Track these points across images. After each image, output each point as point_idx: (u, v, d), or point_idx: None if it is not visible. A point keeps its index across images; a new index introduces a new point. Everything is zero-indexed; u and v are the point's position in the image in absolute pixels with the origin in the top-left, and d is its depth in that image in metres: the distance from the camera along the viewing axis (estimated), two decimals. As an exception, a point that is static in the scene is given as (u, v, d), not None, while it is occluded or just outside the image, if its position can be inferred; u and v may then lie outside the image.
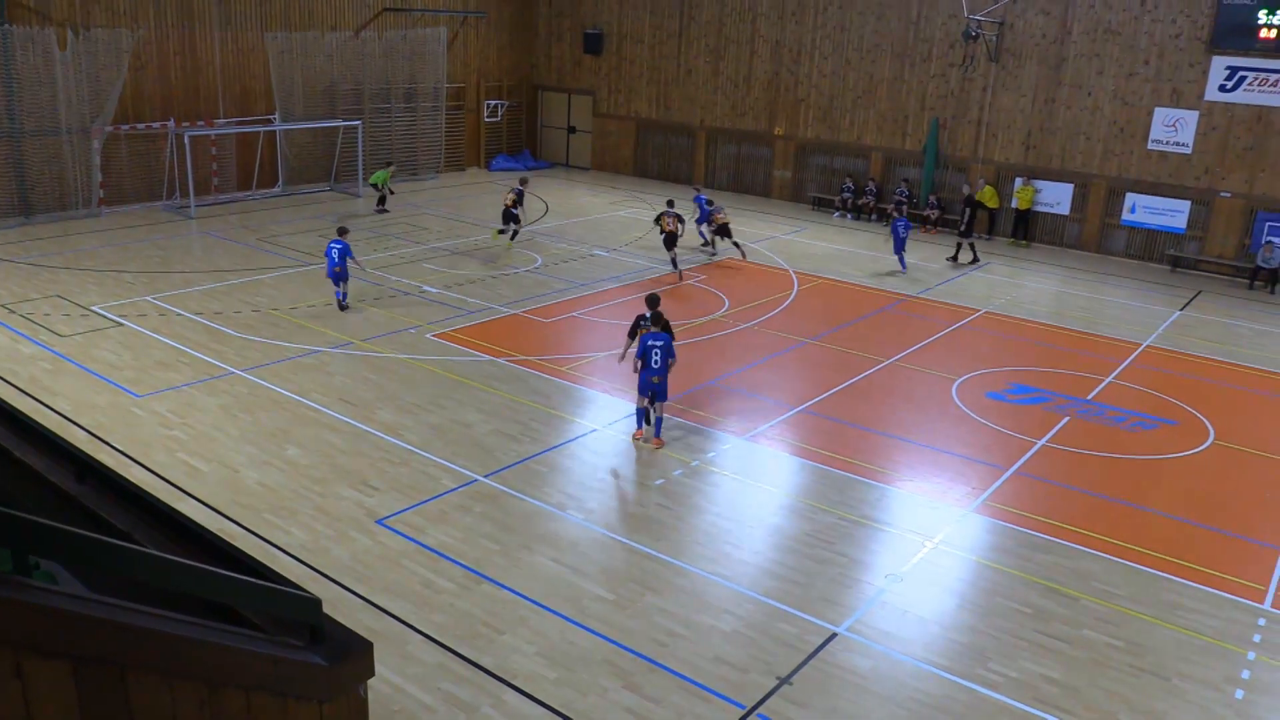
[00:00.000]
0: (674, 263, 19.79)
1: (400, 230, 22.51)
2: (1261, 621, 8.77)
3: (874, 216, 26.39)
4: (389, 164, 25.34)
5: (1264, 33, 20.84)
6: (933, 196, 25.52)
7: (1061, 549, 9.80)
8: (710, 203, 21.71)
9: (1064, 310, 18.96)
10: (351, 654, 3.77)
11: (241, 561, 3.92)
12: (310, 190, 26.63)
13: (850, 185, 26.86)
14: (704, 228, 21.38)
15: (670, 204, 20.70)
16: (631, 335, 12.12)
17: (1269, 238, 21.55)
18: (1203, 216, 22.49)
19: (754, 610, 8.51)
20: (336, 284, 16.15)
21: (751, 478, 11.12)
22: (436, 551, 9.14)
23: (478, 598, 8.46)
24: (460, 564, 8.95)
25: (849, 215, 26.80)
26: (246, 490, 10.16)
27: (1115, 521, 10.47)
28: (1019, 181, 24.50)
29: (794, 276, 20.10)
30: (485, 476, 10.70)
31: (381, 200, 24.23)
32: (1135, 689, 7.74)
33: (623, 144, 31.80)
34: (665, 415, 12.17)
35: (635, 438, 11.95)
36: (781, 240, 23.52)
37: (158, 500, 4.35)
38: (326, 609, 3.81)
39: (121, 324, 15.05)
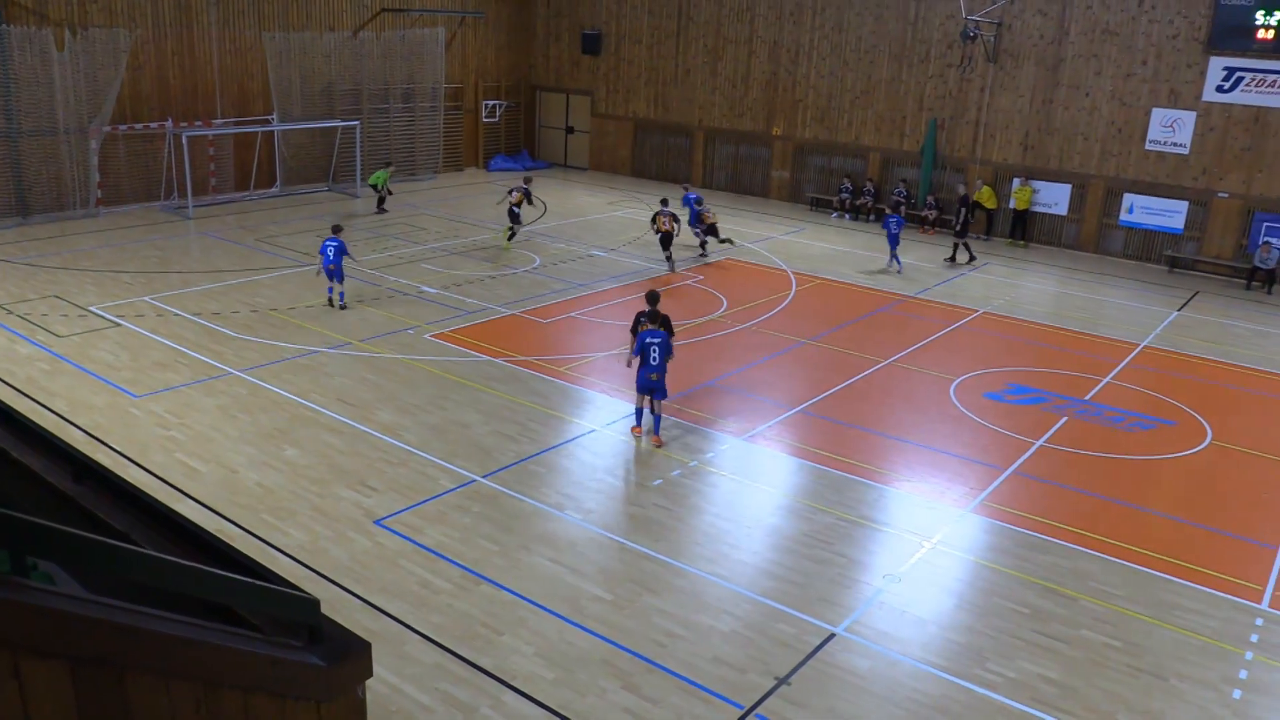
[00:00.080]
0: (670, 261, 19.87)
1: (398, 230, 22.50)
2: (1259, 621, 8.79)
3: (872, 217, 26.40)
4: (388, 164, 25.33)
5: (1261, 33, 20.88)
6: (931, 197, 25.54)
7: (1059, 549, 9.81)
8: (700, 201, 21.73)
9: (1062, 310, 18.98)
10: (350, 654, 3.77)
11: (239, 562, 3.91)
12: (308, 190, 26.62)
13: (848, 186, 26.87)
14: (697, 229, 21.37)
15: (664, 203, 20.72)
16: (634, 332, 12.13)
17: (1266, 238, 21.57)
18: (1200, 217, 22.51)
19: (752, 610, 8.52)
20: (330, 279, 16.19)
21: (750, 478, 11.12)
22: (435, 552, 9.14)
23: (476, 598, 8.46)
24: (458, 564, 8.95)
25: (847, 215, 26.81)
26: (245, 491, 10.15)
27: (1113, 521, 10.48)
28: (1017, 182, 24.53)
29: (792, 277, 20.11)
30: (483, 477, 10.70)
31: (381, 201, 24.22)
32: (1133, 689, 7.74)
33: (621, 144, 31.80)
34: (664, 415, 12.19)
35: (634, 432, 11.98)
36: (779, 240, 23.53)
37: (155, 501, 4.34)
38: (325, 609, 3.81)
39: (119, 324, 15.04)
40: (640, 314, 12.20)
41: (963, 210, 22.25)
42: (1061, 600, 8.90)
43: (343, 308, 16.30)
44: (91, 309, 15.69)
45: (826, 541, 9.74)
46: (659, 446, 11.75)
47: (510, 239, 21.11)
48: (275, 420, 11.88)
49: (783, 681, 7.58)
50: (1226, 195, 22.07)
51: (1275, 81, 21.02)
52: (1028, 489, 11.17)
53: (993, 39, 24.07)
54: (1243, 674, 8.03)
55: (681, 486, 10.78)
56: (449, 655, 7.67)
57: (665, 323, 12.30)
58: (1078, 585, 9.16)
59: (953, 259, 22.25)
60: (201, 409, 12.10)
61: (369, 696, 4.46)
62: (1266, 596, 9.19)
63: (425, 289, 17.80)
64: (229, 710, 3.37)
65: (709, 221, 20.87)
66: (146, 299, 16.40)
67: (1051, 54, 23.60)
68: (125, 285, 17.17)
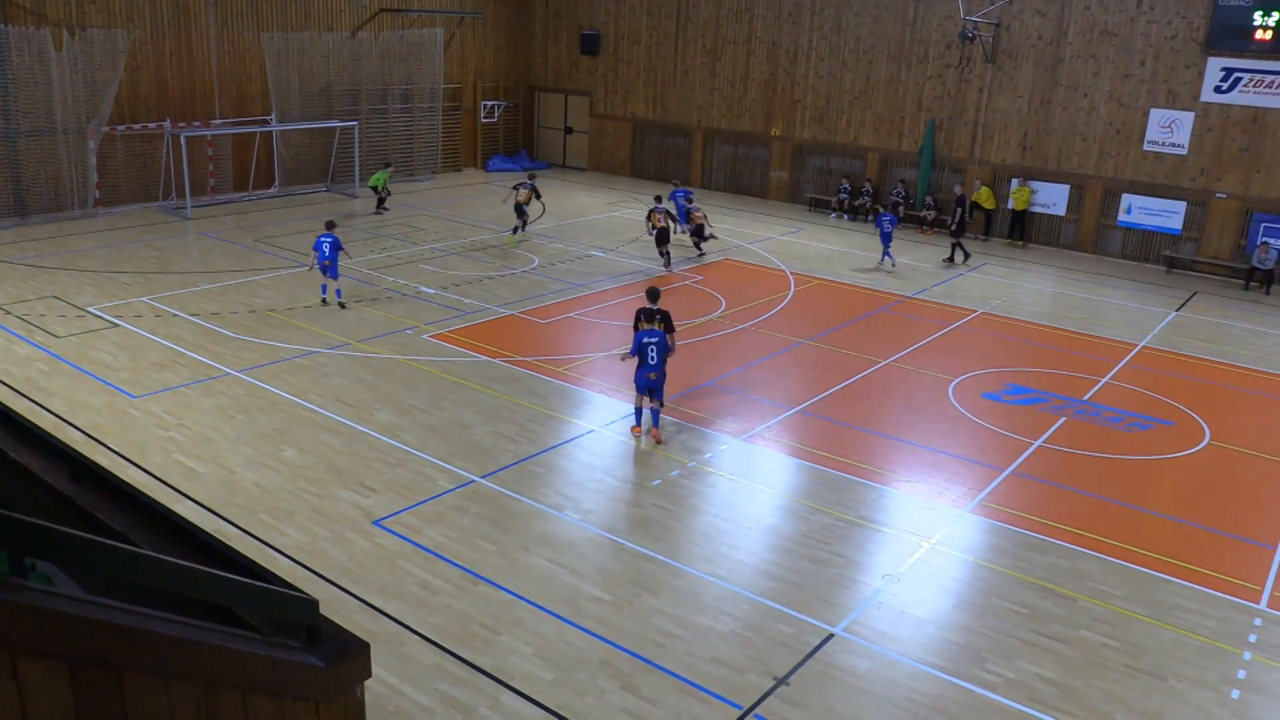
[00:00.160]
0: (666, 258, 19.93)
1: (397, 231, 22.50)
2: (1257, 621, 8.79)
3: (870, 218, 26.40)
4: (387, 164, 25.32)
5: (1259, 34, 20.89)
6: (929, 197, 25.55)
7: (1058, 549, 9.81)
8: (690, 198, 21.74)
9: (1060, 311, 18.99)
10: (348, 655, 3.77)
11: (238, 562, 3.91)
12: (307, 191, 26.61)
13: (847, 186, 26.88)
14: (685, 227, 21.37)
15: (659, 200, 20.75)
16: (635, 329, 12.13)
17: (1264, 238, 21.59)
18: (1198, 217, 22.53)
19: (751, 611, 8.52)
20: (324, 276, 16.21)
21: (748, 478, 11.12)
22: (433, 552, 9.13)
23: (475, 598, 8.45)
24: (457, 565, 8.95)
25: (845, 216, 26.81)
26: (243, 491, 10.15)
27: (1111, 522, 10.49)
28: (1015, 182, 24.54)
29: (791, 277, 20.11)
30: (482, 477, 10.70)
31: (380, 201, 24.21)
32: (1131, 689, 7.75)
33: (619, 145, 31.80)
34: (664, 415, 12.19)
35: (633, 432, 11.98)
36: (778, 241, 23.54)
37: (154, 501, 4.34)
38: (323, 610, 3.81)
39: (118, 325, 15.02)
40: (640, 311, 12.20)
41: (959, 210, 22.28)
42: (1060, 600, 8.91)
43: (340, 305, 16.30)
44: (90, 309, 15.68)
45: (825, 542, 9.74)
46: (659, 442, 11.77)
47: (515, 233, 21.38)
48: (273, 421, 11.87)
49: (781, 682, 7.58)
50: (1224, 196, 22.09)
51: (1273, 82, 21.04)
52: (1026, 489, 11.18)
53: (991, 40, 24.09)
54: (1241, 674, 8.04)
55: (680, 487, 10.78)
56: (447, 655, 7.67)
57: (666, 319, 12.30)
58: (1076, 585, 9.17)
59: (951, 259, 22.26)
60: (200, 409, 12.09)
61: (367, 697, 4.46)
62: (1265, 597, 9.19)
63: (424, 289, 17.79)
64: (228, 711, 3.37)
65: (696, 221, 20.91)
66: (145, 299, 16.39)
67: (1050, 55, 23.62)
68: (124, 286, 17.16)
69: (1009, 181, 24.74)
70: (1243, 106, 21.48)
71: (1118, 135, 23.07)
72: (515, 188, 21.93)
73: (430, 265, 19.54)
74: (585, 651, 7.82)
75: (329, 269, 16.09)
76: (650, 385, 11.69)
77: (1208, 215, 22.37)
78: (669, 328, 12.41)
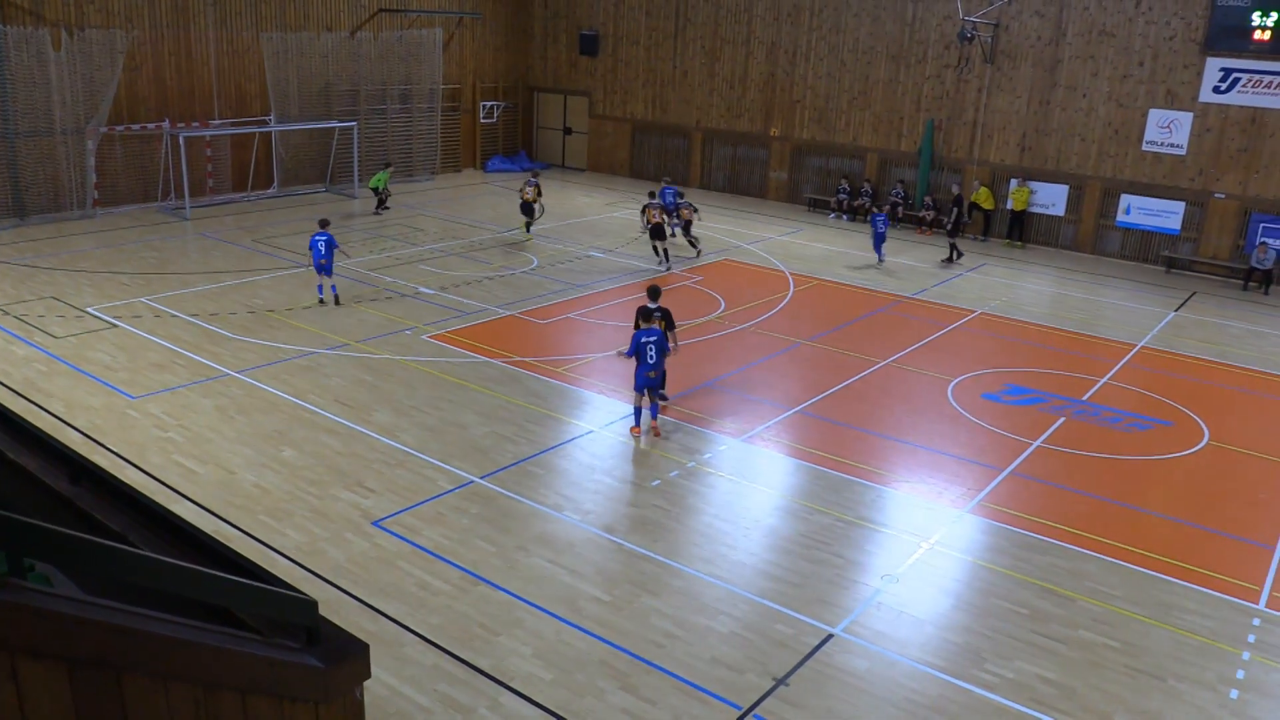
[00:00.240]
0: (664, 254, 19.95)
1: (396, 231, 22.49)
2: (1256, 622, 8.80)
3: (869, 218, 26.39)
4: (387, 165, 25.31)
5: (1258, 34, 20.91)
6: (928, 198, 25.55)
7: (1057, 550, 9.82)
8: (681, 195, 21.74)
9: (1059, 311, 18.99)
10: (348, 656, 3.77)
11: (237, 563, 3.91)
12: (306, 191, 26.60)
13: (846, 187, 26.88)
14: (676, 223, 21.34)
15: (653, 195, 20.76)
16: (636, 328, 12.14)
17: (1263, 238, 21.61)
18: (1197, 218, 22.54)
19: (750, 611, 8.52)
20: (319, 275, 16.22)
21: (748, 479, 11.12)
22: (432, 553, 9.13)
23: (474, 599, 8.45)
24: (456, 565, 8.95)
25: (844, 216, 26.82)
26: (242, 492, 10.14)
27: (1111, 522, 10.49)
28: (1014, 183, 24.56)
29: (790, 278, 20.12)
30: (481, 478, 10.70)
31: (381, 202, 24.21)
32: (1131, 689, 7.75)
33: (619, 145, 31.80)
34: (663, 416, 12.20)
35: (632, 432, 11.99)
36: (777, 241, 23.54)
37: (153, 502, 4.34)
38: (322, 611, 3.81)
39: (116, 325, 15.02)
40: (640, 309, 12.20)
41: (955, 210, 22.31)
42: (1059, 600, 8.91)
43: (337, 303, 16.32)
44: (89, 310, 15.67)
45: (824, 542, 9.74)
46: (657, 435, 11.79)
47: (527, 230, 22.17)
48: (273, 421, 11.87)
49: (781, 682, 7.58)
50: (1223, 196, 22.10)
51: (1272, 82, 21.06)
52: (1025, 489, 11.18)
53: (990, 40, 24.10)
54: (1240, 674, 8.04)
55: (679, 487, 10.78)
56: (447, 656, 7.67)
57: (667, 317, 12.30)
58: (1075, 586, 9.17)
59: (950, 259, 22.27)
60: (199, 410, 12.08)
61: (367, 698, 4.46)
62: (1264, 597, 9.20)
63: (423, 290, 17.78)
64: (227, 712, 3.37)
65: (685, 217, 20.93)
66: (144, 300, 16.38)
67: (1048, 55, 23.63)
68: (122, 286, 17.15)
69: (1008, 182, 24.76)
70: (1241, 107, 21.49)
71: (1116, 135, 23.08)
72: (522, 187, 22.24)
73: (429, 266, 19.54)
74: (585, 652, 7.82)
75: (324, 267, 16.11)
76: (650, 383, 11.72)
77: (1206, 215, 22.38)
78: (670, 326, 12.42)
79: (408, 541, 9.31)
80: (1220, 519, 10.75)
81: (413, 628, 8.00)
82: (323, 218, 17.09)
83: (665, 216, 20.19)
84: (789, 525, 10.09)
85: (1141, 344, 17.00)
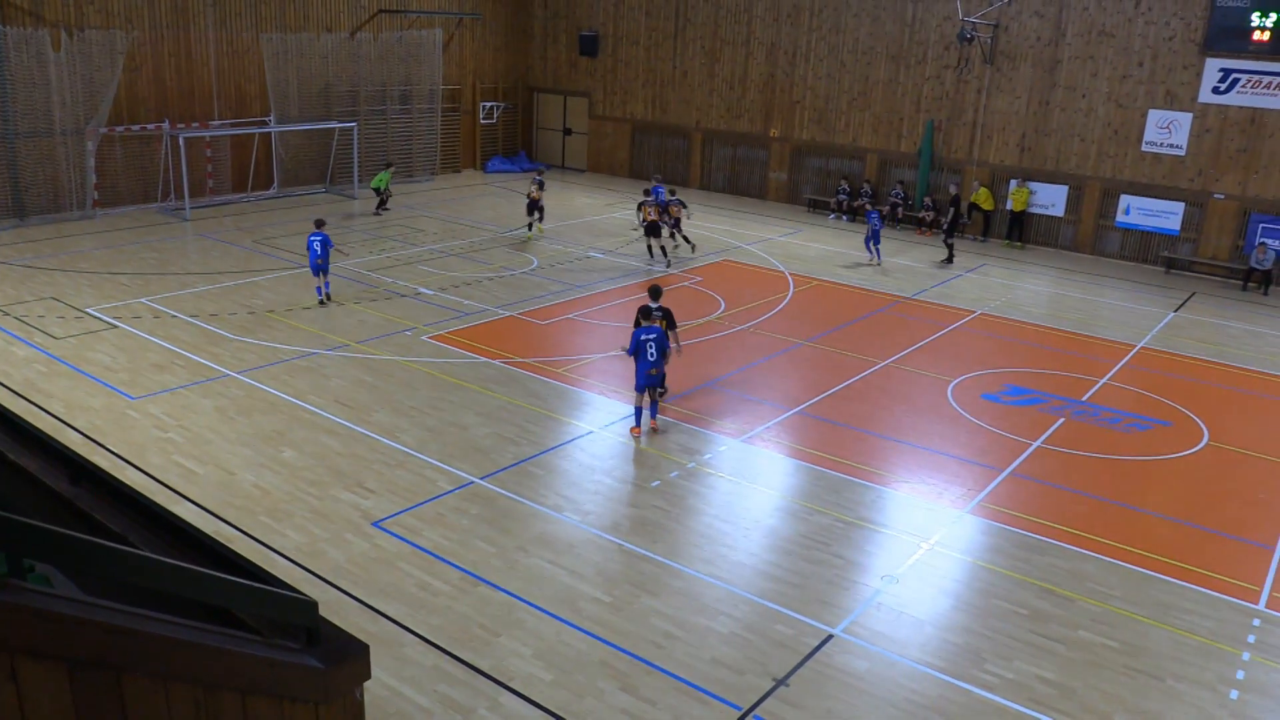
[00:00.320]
0: (662, 251, 19.97)
1: (396, 232, 22.49)
2: (1256, 622, 8.80)
3: (869, 218, 26.45)
4: (389, 165, 25.30)
5: (1257, 35, 20.92)
6: (927, 198, 25.56)
7: (1057, 550, 9.82)
8: (673, 193, 21.75)
9: (1059, 312, 19.00)
10: (348, 657, 3.77)
11: (237, 564, 3.91)
12: (305, 192, 26.60)
13: (845, 187, 26.88)
14: (668, 221, 21.38)
15: (647, 194, 20.78)
16: (636, 327, 12.14)
17: (1262, 239, 21.61)
18: (1196, 218, 22.55)
19: (750, 612, 8.52)
20: (316, 275, 16.27)
21: (747, 479, 11.12)
22: (432, 554, 9.13)
23: (474, 600, 8.45)
24: (456, 566, 8.95)
25: (844, 217, 26.81)
26: (242, 493, 10.14)
27: (1110, 522, 10.49)
28: (1014, 183, 24.57)
29: (789, 278, 20.12)
30: (481, 479, 10.70)
31: (382, 203, 24.20)
32: (1130, 689, 7.75)
33: (618, 146, 31.80)
34: (663, 416, 12.20)
35: (632, 433, 11.99)
36: (777, 242, 23.54)
37: (153, 503, 4.34)
38: (322, 611, 3.81)
39: (116, 326, 15.02)
40: (641, 308, 12.20)
41: (952, 210, 22.32)
42: (1059, 601, 8.91)
43: (329, 299, 16.42)
44: (88, 311, 15.67)
45: (824, 543, 9.74)
46: (656, 431, 11.80)
47: (530, 229, 22.27)
48: (273, 422, 11.87)
49: (781, 683, 7.58)
50: (1223, 196, 22.10)
51: (1271, 83, 21.07)
52: (1025, 490, 11.19)
53: (989, 41, 24.10)
54: (1240, 674, 8.04)
55: (679, 488, 10.78)
56: (447, 657, 7.67)
57: (668, 316, 12.29)
58: (1075, 586, 9.17)
59: (948, 260, 22.27)
60: (199, 411, 12.08)
61: (367, 699, 4.46)
62: (1263, 597, 9.20)
63: (423, 290, 17.79)
64: (227, 712, 3.37)
65: (675, 215, 20.97)
66: (143, 300, 16.38)
67: (1048, 55, 23.63)
68: (122, 287, 17.15)
69: (1007, 182, 24.76)
70: (1241, 107, 21.50)
71: (1116, 136, 23.09)
72: (530, 188, 22.38)
73: (429, 266, 19.54)
74: (584, 653, 7.82)
75: (321, 267, 16.15)
76: (650, 381, 11.72)
77: (1206, 216, 22.39)
78: (671, 325, 12.43)
79: (408, 542, 9.31)
80: (1219, 519, 10.75)
81: (413, 628, 8.00)
82: (318, 218, 17.11)
83: (662, 215, 20.22)
84: (789, 526, 10.10)
85: (1141, 344, 17.00)
